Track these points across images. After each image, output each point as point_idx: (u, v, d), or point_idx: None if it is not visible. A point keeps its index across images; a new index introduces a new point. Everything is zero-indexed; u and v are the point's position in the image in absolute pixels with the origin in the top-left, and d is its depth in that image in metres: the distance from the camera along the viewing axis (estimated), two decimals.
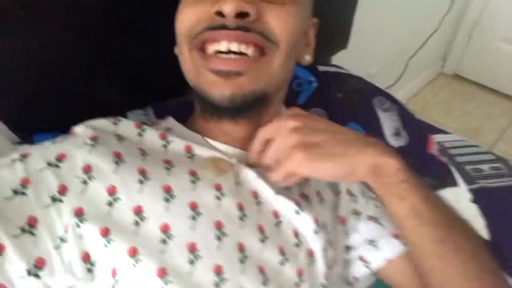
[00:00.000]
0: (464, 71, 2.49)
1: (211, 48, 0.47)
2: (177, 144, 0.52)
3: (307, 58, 0.57)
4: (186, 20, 0.48)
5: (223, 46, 0.46)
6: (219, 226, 0.46)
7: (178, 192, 0.46)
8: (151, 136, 0.51)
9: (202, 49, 0.48)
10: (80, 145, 0.46)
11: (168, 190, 0.46)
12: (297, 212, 0.51)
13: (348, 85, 0.86)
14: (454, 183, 0.78)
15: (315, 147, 0.44)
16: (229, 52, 0.46)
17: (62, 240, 0.41)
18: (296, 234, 0.52)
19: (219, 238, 0.45)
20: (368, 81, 0.91)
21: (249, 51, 0.46)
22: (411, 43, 1.95)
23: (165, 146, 0.51)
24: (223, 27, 0.45)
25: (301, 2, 0.50)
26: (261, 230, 0.49)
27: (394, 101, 0.84)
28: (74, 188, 0.43)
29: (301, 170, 0.44)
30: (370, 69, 1.71)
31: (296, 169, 0.44)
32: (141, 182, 0.45)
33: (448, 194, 0.76)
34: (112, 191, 0.44)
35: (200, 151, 0.52)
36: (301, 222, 0.52)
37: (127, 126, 0.51)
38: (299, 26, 0.50)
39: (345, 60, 1.08)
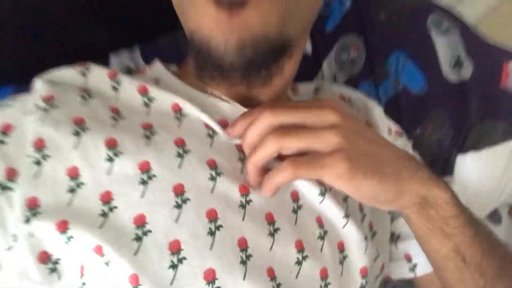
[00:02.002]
0: None
1: None
2: (161, 102, 0.40)
3: None
4: None
5: None
6: (212, 216, 0.35)
7: (159, 170, 0.36)
8: (129, 91, 0.40)
9: None
10: (30, 110, 0.36)
11: (145, 169, 0.35)
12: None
13: (394, 2, 0.66)
14: None
15: (361, 158, 0.35)
16: None
17: (15, 238, 0.33)
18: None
19: (212, 233, 0.35)
20: None
21: None
22: None
23: (146, 105, 0.40)
24: None
25: None
26: (271, 219, 0.38)
27: (455, 19, 0.64)
28: (25, 171, 0.34)
29: (337, 183, 0.35)
30: None
31: (332, 180, 0.35)
32: (110, 159, 0.35)
33: None
34: (73, 174, 0.34)
35: (193, 111, 0.40)
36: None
37: (98, 76, 0.41)
38: None
39: None
